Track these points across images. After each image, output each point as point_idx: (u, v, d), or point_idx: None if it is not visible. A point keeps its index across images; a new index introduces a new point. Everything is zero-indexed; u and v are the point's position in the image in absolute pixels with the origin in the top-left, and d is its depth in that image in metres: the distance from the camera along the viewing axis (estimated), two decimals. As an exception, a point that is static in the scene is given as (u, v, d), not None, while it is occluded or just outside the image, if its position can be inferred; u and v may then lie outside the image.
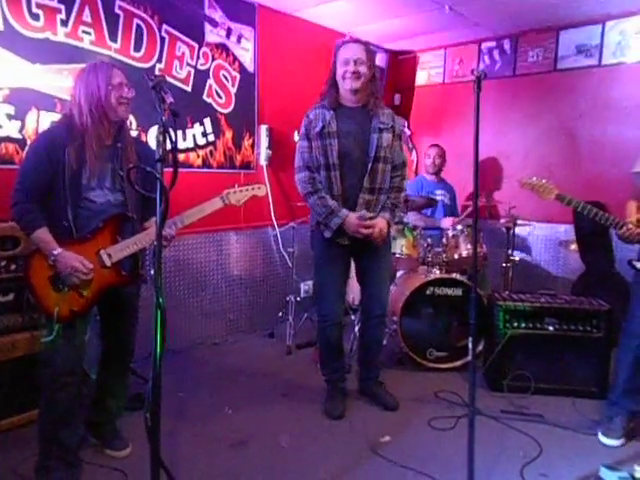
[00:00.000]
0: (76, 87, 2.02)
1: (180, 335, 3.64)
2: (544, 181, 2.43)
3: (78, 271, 1.91)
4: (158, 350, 1.51)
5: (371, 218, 2.61)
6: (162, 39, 3.31)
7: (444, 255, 3.50)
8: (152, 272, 2.63)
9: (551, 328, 2.95)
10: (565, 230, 4.30)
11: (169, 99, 1.60)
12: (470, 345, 1.83)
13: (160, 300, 1.51)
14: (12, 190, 1.96)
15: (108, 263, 1.98)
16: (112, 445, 2.29)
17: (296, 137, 4.32)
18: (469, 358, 3.28)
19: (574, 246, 4.22)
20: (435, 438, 2.49)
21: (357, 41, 2.65)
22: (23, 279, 1.97)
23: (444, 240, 3.55)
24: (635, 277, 2.48)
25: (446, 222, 3.96)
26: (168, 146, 1.56)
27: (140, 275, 2.13)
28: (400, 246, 3.44)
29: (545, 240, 4.44)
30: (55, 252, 1.88)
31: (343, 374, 2.90)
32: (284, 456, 2.34)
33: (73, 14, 2.89)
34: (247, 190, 2.27)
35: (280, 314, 4.03)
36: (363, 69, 2.53)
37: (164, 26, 3.32)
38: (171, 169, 1.57)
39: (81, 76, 2.03)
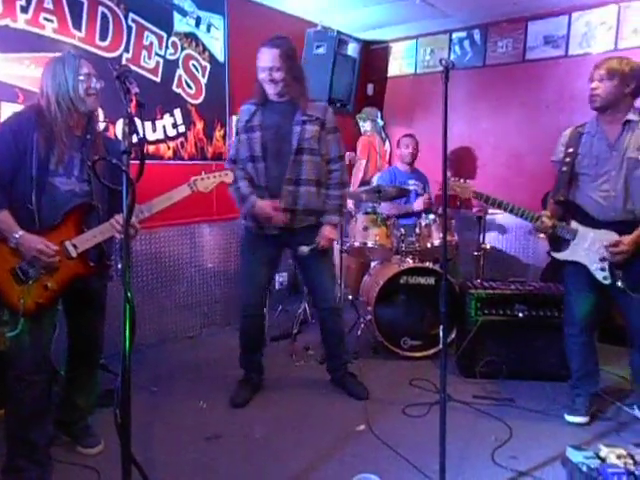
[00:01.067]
0: (43, 79, 1.99)
1: (154, 329, 3.60)
2: (462, 181, 2.51)
3: (43, 253, 1.86)
4: (127, 345, 1.49)
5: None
6: (129, 28, 3.23)
7: (417, 244, 3.54)
8: (119, 267, 2.58)
9: (520, 314, 3.01)
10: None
11: (134, 89, 1.57)
12: (441, 333, 1.85)
13: (129, 294, 1.49)
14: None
15: (74, 254, 1.93)
16: (84, 443, 2.26)
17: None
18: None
19: (542, 234, 4.31)
20: (409, 425, 2.53)
21: (272, 45, 2.58)
22: None
23: (417, 230, 3.59)
24: (564, 268, 2.55)
25: (418, 204, 4.00)
26: (134, 138, 1.54)
27: (108, 265, 2.09)
28: (374, 236, 3.46)
29: (515, 229, 4.52)
30: (17, 235, 1.85)
31: (259, 366, 2.93)
32: (259, 447, 2.34)
33: (34, 0, 2.79)
34: (215, 177, 2.24)
35: (255, 306, 4.01)
36: (279, 75, 2.55)
37: (130, 15, 3.23)
38: (138, 161, 1.54)
39: (48, 68, 2.00)
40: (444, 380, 1.84)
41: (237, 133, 2.77)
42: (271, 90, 2.61)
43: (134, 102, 1.58)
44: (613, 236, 2.32)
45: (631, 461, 2.01)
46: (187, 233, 3.82)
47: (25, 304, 1.85)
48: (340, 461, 2.22)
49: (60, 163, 1.97)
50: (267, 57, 2.56)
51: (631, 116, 2.31)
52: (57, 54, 2.09)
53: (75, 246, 1.93)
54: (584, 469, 2.03)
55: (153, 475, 1.80)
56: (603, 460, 2.05)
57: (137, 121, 1.56)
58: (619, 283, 2.33)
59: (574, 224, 2.43)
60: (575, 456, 2.12)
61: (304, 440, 2.39)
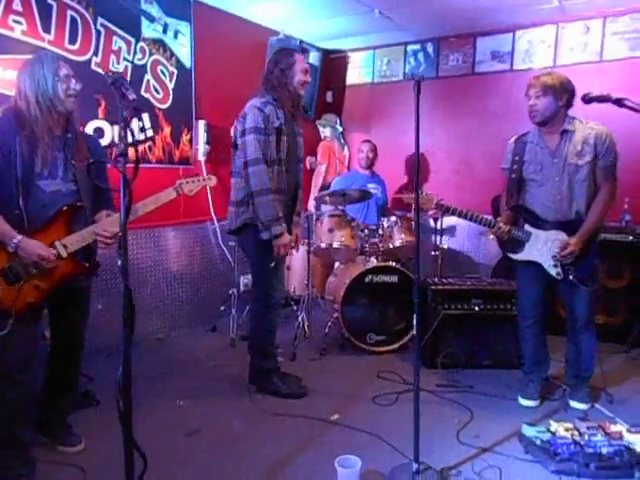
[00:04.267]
0: (20, 79, 2.00)
1: (120, 333, 3.58)
2: (424, 194, 2.75)
3: (44, 259, 1.89)
4: (128, 337, 1.57)
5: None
6: (98, 32, 3.25)
7: (380, 245, 3.73)
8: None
9: (477, 308, 3.26)
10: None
11: (131, 95, 1.65)
12: (415, 320, 2.04)
13: (127, 287, 1.57)
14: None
15: (64, 254, 1.97)
16: (65, 441, 2.28)
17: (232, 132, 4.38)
18: (405, 340, 3.56)
19: (492, 236, 4.64)
20: (380, 413, 2.70)
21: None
22: None
23: (380, 231, 3.78)
24: (517, 267, 2.82)
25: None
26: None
27: (97, 264, 2.13)
28: (339, 237, 3.63)
29: (468, 230, 4.82)
30: (15, 240, 1.86)
31: None
32: (239, 441, 2.43)
33: (2, 2, 2.78)
34: (199, 181, 2.33)
35: (222, 308, 4.09)
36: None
37: (99, 19, 3.26)
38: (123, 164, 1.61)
39: (25, 68, 2.00)
40: (419, 363, 2.03)
41: (264, 132, 2.66)
42: (302, 92, 2.80)
43: (129, 107, 1.66)
44: (563, 235, 2.59)
45: (577, 433, 2.28)
46: (153, 237, 3.85)
47: (16, 305, 1.88)
48: (318, 448, 2.35)
49: (45, 166, 1.99)
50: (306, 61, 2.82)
51: (567, 126, 2.58)
52: (29, 56, 2.10)
53: (65, 246, 1.97)
54: (537, 442, 2.28)
55: (136, 470, 1.84)
56: (553, 434, 2.31)
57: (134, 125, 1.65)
58: (571, 277, 2.59)
59: (527, 227, 2.69)
60: (529, 431, 2.37)
61: (282, 432, 2.51)
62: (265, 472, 2.16)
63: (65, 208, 2.01)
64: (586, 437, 2.23)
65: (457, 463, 2.21)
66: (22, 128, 1.95)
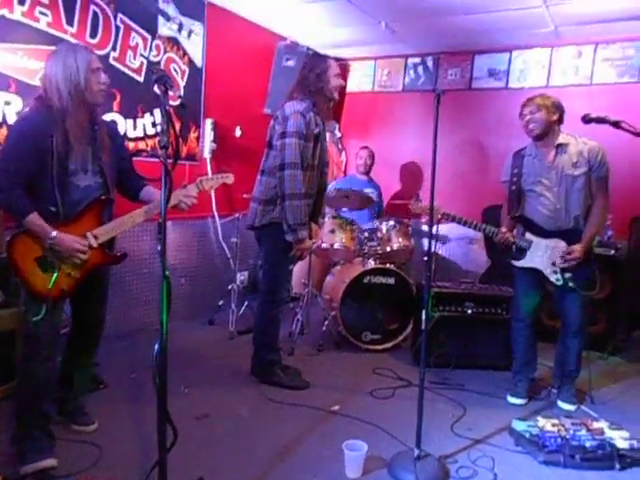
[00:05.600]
0: (52, 68, 1.99)
1: (122, 321, 3.67)
2: (424, 203, 2.93)
3: (79, 251, 1.98)
4: (164, 317, 1.68)
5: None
6: (117, 28, 3.34)
7: (379, 248, 3.88)
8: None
9: (469, 311, 3.43)
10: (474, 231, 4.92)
11: (176, 92, 1.76)
12: (423, 315, 2.19)
13: (167, 272, 1.68)
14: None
15: (95, 244, 2.06)
16: (79, 421, 2.36)
17: (238, 132, 4.50)
18: (399, 340, 3.71)
19: (477, 246, 4.88)
20: (378, 405, 2.84)
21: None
22: (8, 261, 1.96)
23: (378, 234, 3.94)
24: (515, 272, 2.99)
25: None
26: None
27: (125, 255, 2.22)
28: (340, 239, 3.77)
29: (457, 238, 5.02)
30: (52, 235, 1.93)
31: None
32: (247, 425, 2.55)
33: (30, -6, 2.86)
34: (218, 178, 2.45)
35: (221, 302, 4.18)
36: None
37: (119, 15, 3.35)
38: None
39: (57, 57, 2.00)
40: (425, 355, 2.17)
41: (304, 138, 2.75)
42: (337, 96, 2.89)
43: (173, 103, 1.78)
44: (562, 243, 2.78)
45: (563, 428, 2.45)
46: (153, 230, 3.91)
47: (51, 292, 1.96)
48: (323, 434, 2.48)
49: (77, 160, 2.04)
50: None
51: (561, 140, 2.79)
52: (51, 47, 2.11)
53: (96, 237, 2.06)
54: (527, 436, 2.45)
55: (151, 453, 1.93)
56: (541, 428, 2.48)
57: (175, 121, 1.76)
58: (571, 283, 2.77)
59: (528, 235, 2.87)
60: (519, 426, 2.53)
61: (286, 419, 2.63)
62: (276, 453, 2.28)
63: (97, 201, 2.09)
64: (571, 432, 2.41)
65: (453, 452, 2.37)
66: (56, 125, 1.96)
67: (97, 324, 2.33)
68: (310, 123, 2.77)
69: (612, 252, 3.82)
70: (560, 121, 2.81)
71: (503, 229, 2.91)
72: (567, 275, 2.78)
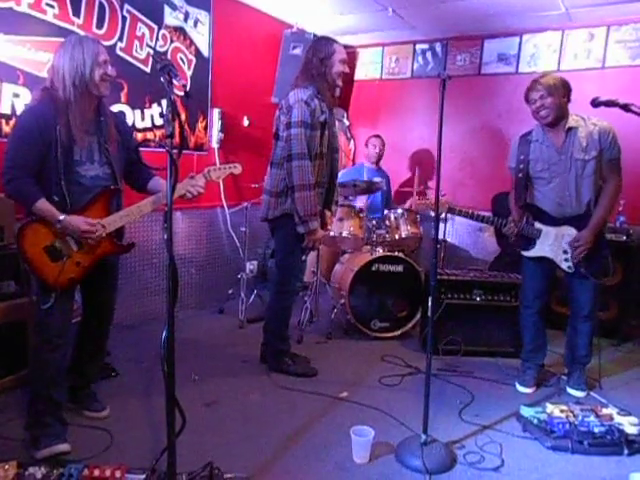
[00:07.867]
0: (60, 59, 2.02)
1: (132, 311, 3.72)
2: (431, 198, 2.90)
3: (89, 232, 2.00)
4: (171, 304, 1.70)
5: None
6: (123, 18, 3.35)
7: (387, 236, 3.88)
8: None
9: (478, 299, 3.43)
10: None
11: (181, 82, 1.77)
12: (430, 302, 2.19)
13: (172, 260, 1.69)
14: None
15: (103, 234, 2.08)
16: (91, 407, 2.40)
17: (245, 122, 4.50)
18: (407, 327, 3.72)
19: (487, 234, 4.85)
20: (386, 392, 2.86)
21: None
22: (17, 250, 2.00)
23: (387, 222, 3.93)
24: (524, 259, 2.96)
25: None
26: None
27: (133, 244, 2.25)
28: (348, 227, 3.77)
29: (467, 226, 4.98)
30: (60, 217, 1.96)
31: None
32: (257, 410, 2.58)
33: (37, -15, 2.87)
34: (226, 168, 2.46)
35: (230, 291, 4.21)
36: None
37: (126, 5, 3.35)
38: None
39: (66, 48, 2.03)
40: (431, 341, 2.18)
41: (309, 126, 2.71)
42: (340, 82, 2.82)
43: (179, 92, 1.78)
44: (572, 230, 2.74)
45: (571, 414, 2.45)
46: (161, 219, 3.93)
47: (60, 280, 1.99)
48: (331, 420, 2.50)
49: (82, 150, 2.06)
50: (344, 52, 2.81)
51: (572, 123, 2.71)
52: (59, 39, 2.13)
53: (104, 226, 2.08)
54: (535, 422, 2.45)
55: (161, 439, 1.96)
56: (549, 414, 2.47)
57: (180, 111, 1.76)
58: (582, 270, 2.73)
59: (537, 224, 2.84)
60: (527, 412, 2.54)
61: (295, 405, 2.65)
62: (285, 439, 2.31)
63: (105, 191, 2.11)
64: (580, 418, 2.41)
65: (460, 438, 2.38)
66: (60, 115, 1.99)
67: (107, 313, 2.37)
68: (315, 111, 2.72)
69: (624, 238, 3.78)
70: (568, 100, 2.72)
71: (512, 220, 2.87)
72: (578, 263, 2.74)
